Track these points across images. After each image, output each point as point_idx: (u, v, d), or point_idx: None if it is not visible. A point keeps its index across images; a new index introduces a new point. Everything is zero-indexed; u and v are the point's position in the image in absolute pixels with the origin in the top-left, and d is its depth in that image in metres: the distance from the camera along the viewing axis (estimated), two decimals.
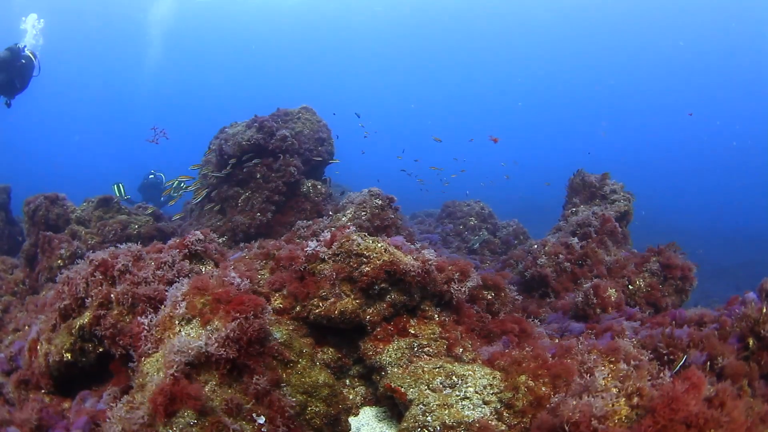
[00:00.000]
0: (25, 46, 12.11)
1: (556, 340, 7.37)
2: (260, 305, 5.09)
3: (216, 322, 4.91)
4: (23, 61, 12.02)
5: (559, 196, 12.89)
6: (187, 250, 6.63)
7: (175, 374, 4.56)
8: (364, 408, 5.96)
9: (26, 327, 8.51)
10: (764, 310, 6.33)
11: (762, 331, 6.13)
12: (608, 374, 4.84)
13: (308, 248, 6.56)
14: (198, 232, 6.89)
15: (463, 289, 6.73)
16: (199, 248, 6.78)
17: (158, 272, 6.13)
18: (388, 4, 58.05)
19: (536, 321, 8.46)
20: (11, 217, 15.10)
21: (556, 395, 4.74)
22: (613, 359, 5.73)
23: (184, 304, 5.28)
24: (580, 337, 7.22)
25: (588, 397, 4.29)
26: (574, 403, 4.24)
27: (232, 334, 4.78)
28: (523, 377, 5.08)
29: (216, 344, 4.72)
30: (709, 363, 6.34)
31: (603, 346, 5.98)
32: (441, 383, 5.24)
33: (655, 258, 9.47)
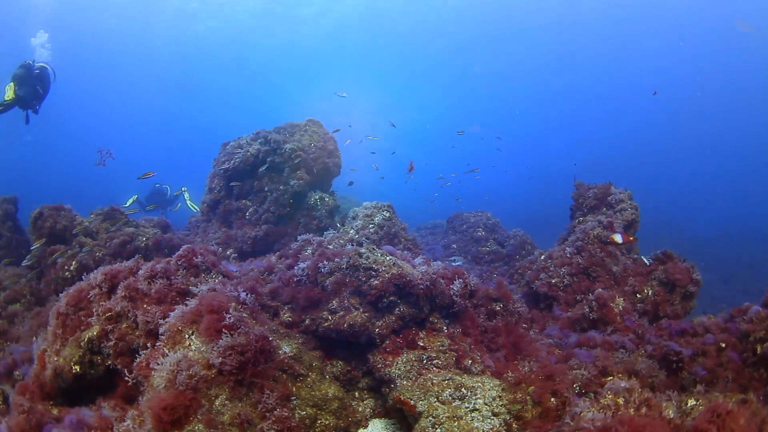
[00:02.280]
0: (34, 60, 12.43)
1: (557, 351, 7.38)
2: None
3: (222, 335, 4.94)
4: (37, 71, 12.39)
5: (566, 204, 12.84)
6: (190, 264, 6.66)
7: (181, 388, 4.57)
8: (374, 420, 5.96)
9: (33, 338, 8.53)
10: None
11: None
12: (614, 387, 4.84)
13: (317, 263, 6.59)
14: (201, 247, 6.92)
15: (457, 289, 6.76)
16: (203, 262, 6.80)
17: (162, 286, 6.15)
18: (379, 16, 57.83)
19: (537, 331, 8.46)
20: (19, 226, 15.15)
21: (565, 407, 4.74)
22: (617, 371, 5.74)
23: (189, 318, 5.31)
24: (582, 349, 7.24)
25: (594, 410, 4.29)
26: (583, 414, 4.25)
27: (234, 343, 4.80)
28: (531, 389, 5.09)
29: (220, 355, 4.75)
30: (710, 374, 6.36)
31: (604, 358, 5.99)
32: (450, 395, 5.24)
33: (662, 266, 9.45)
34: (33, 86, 12.24)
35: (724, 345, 6.64)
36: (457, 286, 6.81)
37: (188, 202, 18.54)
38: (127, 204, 16.92)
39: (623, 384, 4.61)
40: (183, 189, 19.14)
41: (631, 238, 9.85)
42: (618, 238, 9.47)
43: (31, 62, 12.38)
